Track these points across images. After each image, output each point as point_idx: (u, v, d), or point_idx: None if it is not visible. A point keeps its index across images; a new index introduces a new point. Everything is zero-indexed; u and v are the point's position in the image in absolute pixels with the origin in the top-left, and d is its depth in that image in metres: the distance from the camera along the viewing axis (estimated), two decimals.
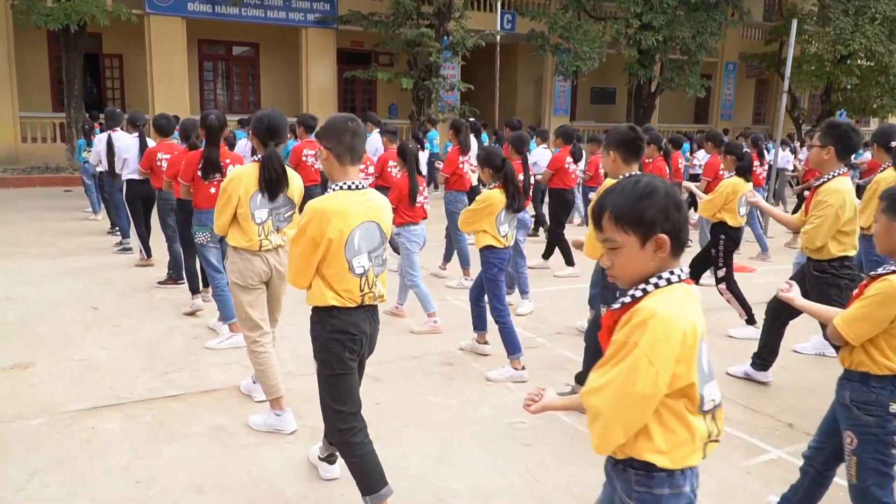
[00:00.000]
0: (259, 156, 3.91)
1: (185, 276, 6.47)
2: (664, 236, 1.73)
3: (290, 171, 4.05)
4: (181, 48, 18.13)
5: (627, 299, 1.78)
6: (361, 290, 2.92)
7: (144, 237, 8.13)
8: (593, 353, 4.07)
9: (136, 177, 7.78)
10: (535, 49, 20.69)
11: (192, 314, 6.08)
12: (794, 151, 15.75)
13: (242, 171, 3.93)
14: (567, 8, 20.09)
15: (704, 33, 21.03)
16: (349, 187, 2.91)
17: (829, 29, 22.32)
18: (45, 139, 17.63)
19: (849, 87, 24.52)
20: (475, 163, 6.05)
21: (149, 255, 8.15)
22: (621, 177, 3.44)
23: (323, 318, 2.93)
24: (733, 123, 27.92)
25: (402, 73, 18.56)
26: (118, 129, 8.53)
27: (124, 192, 8.15)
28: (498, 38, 18.86)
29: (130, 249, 8.69)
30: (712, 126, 28.02)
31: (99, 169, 9.18)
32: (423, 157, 9.64)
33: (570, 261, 8.00)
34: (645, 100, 23.11)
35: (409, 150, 6.00)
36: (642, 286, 1.77)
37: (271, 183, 3.87)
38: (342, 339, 2.91)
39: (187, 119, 6.59)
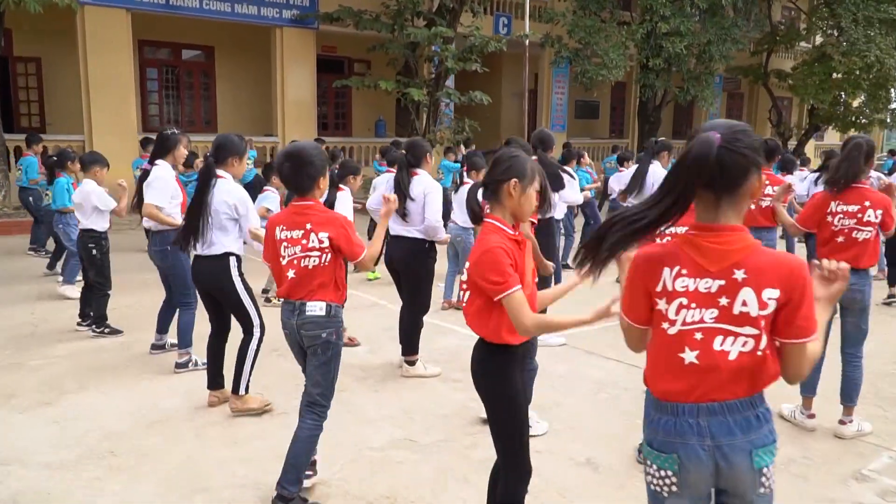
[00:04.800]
0: None
1: None
2: None
3: None
4: (126, 49, 14.08)
5: None
6: None
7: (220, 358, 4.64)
8: None
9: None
10: (554, 56, 17.88)
11: None
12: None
13: None
14: (586, 9, 17.32)
15: (727, 40, 18.84)
16: None
17: (842, 40, 20.64)
18: None
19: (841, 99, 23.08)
20: None
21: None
22: None
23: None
24: None
25: (405, 82, 15.21)
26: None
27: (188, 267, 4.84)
28: (527, 42, 15.85)
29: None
30: None
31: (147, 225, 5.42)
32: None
33: None
34: (651, 114, 20.74)
35: None
36: None
37: None
38: None
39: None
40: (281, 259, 3.37)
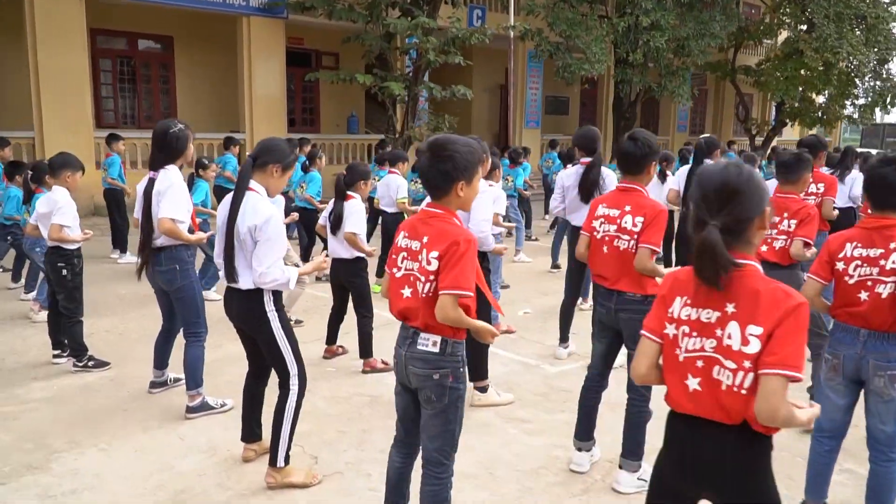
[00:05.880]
0: None
1: None
2: None
3: None
4: (79, 38, 12.85)
5: None
6: None
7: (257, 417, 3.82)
8: None
9: None
10: (535, 49, 17.24)
11: None
12: None
13: None
14: (566, 1, 16.70)
15: (706, 35, 18.49)
16: None
17: (813, 35, 20.54)
18: None
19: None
20: None
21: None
22: None
23: None
24: (688, 135, 25.95)
25: (382, 75, 14.31)
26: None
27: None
28: (512, 34, 15.13)
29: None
30: (667, 138, 25.93)
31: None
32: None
33: None
34: (627, 110, 20.33)
35: None
36: None
37: None
38: None
39: None
40: (396, 270, 2.72)
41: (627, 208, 3.55)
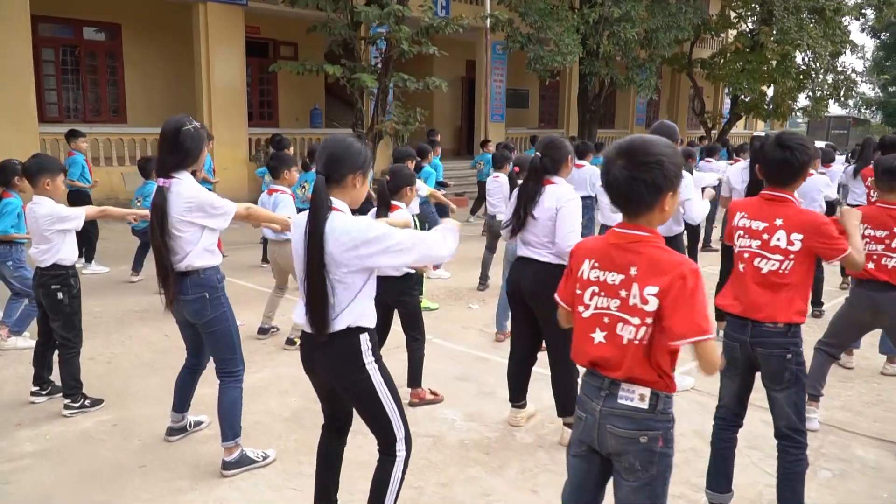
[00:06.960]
0: None
1: None
2: None
3: None
4: (22, 25, 11.64)
5: None
6: None
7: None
8: None
9: None
10: (505, 40, 16.66)
11: None
12: None
13: None
14: None
15: (674, 27, 18.29)
16: None
17: (774, 28, 20.62)
18: None
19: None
20: None
21: None
22: None
23: None
24: (645, 128, 25.87)
25: (351, 67, 13.51)
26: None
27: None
28: (488, 23, 14.52)
29: None
30: (626, 131, 25.80)
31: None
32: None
33: None
34: (592, 103, 20.00)
35: None
36: None
37: None
38: None
39: None
40: (583, 309, 2.18)
41: (778, 222, 2.95)
